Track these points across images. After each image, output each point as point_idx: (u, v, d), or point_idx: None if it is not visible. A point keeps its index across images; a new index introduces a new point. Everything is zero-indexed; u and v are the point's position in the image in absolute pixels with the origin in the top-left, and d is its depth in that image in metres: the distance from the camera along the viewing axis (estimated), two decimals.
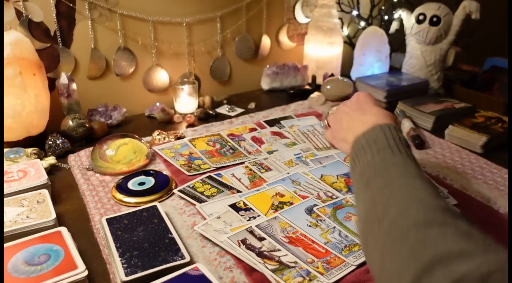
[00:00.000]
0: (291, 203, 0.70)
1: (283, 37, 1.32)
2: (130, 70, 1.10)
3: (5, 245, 0.56)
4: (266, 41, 1.29)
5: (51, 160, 0.82)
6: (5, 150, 0.82)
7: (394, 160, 0.50)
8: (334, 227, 0.65)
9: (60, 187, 0.78)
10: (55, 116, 0.93)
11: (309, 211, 0.68)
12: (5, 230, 0.59)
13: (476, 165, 0.86)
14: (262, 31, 1.27)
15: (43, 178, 0.73)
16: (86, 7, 0.98)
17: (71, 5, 0.97)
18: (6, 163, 0.79)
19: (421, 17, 1.15)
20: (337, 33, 1.27)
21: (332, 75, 1.27)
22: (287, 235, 0.62)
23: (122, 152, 0.82)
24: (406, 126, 0.98)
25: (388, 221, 0.42)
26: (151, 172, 0.80)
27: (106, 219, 0.64)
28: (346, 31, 1.42)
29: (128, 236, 0.60)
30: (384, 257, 0.40)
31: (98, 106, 1.04)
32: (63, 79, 0.94)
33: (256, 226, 0.64)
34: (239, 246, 0.59)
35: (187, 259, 0.56)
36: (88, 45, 1.02)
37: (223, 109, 1.14)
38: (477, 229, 0.38)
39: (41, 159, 0.82)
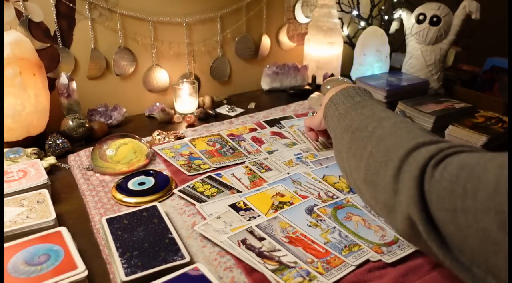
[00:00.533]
0: (291, 203, 0.70)
1: (283, 37, 1.32)
2: (130, 70, 1.10)
3: (5, 245, 0.56)
4: (266, 41, 1.29)
5: (51, 160, 0.82)
6: (5, 150, 0.82)
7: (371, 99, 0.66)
8: (334, 227, 0.65)
9: (60, 187, 0.77)
10: (55, 116, 0.93)
11: (310, 211, 0.68)
12: (5, 230, 0.59)
13: None
14: (262, 31, 1.27)
15: (43, 178, 0.73)
16: (86, 7, 0.98)
17: (71, 5, 0.97)
18: (6, 163, 0.79)
19: (421, 17, 1.15)
20: (337, 33, 1.27)
21: (332, 75, 1.27)
22: (287, 235, 0.62)
23: (122, 152, 0.82)
24: None
25: (387, 123, 0.55)
26: (151, 172, 0.80)
27: (106, 219, 0.64)
28: (346, 31, 1.42)
29: (128, 236, 0.60)
30: (380, 143, 0.52)
31: (98, 106, 1.04)
32: (63, 79, 0.94)
33: (256, 226, 0.64)
34: (239, 246, 0.59)
35: (187, 259, 0.56)
36: (88, 45, 1.02)
37: (223, 109, 1.14)
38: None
39: (41, 159, 0.82)
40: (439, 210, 0.41)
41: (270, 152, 0.89)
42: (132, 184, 0.75)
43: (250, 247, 0.59)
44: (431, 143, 0.47)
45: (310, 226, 0.65)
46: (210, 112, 1.09)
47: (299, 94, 1.23)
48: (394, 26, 1.31)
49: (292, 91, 1.24)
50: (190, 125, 1.04)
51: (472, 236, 0.37)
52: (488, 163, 0.38)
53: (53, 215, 0.63)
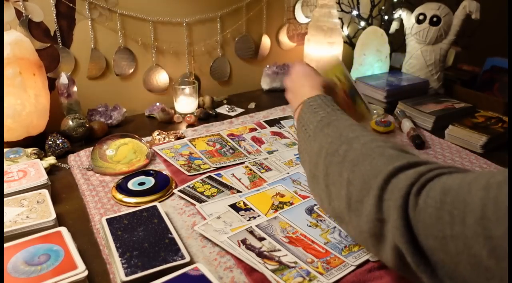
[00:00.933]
0: (291, 203, 0.70)
1: (283, 37, 1.32)
2: (130, 70, 1.10)
3: (5, 245, 0.56)
4: (266, 41, 1.29)
5: (51, 160, 0.82)
6: (5, 150, 0.82)
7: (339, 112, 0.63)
8: (334, 227, 0.65)
9: (60, 187, 0.77)
10: (55, 116, 0.93)
11: (309, 211, 0.68)
12: (5, 230, 0.59)
13: (476, 165, 0.86)
14: (262, 31, 1.27)
15: (43, 178, 0.73)
16: (86, 7, 0.98)
17: (71, 5, 0.97)
18: (6, 163, 0.79)
19: (421, 17, 1.15)
20: (337, 33, 1.27)
21: None
22: (287, 235, 0.62)
23: (122, 152, 0.82)
24: (406, 126, 0.98)
25: (358, 144, 0.52)
26: (151, 172, 0.79)
27: (106, 219, 0.64)
28: (346, 31, 1.42)
29: (128, 236, 0.60)
30: (355, 169, 0.49)
31: (98, 106, 1.04)
32: (63, 79, 0.94)
33: (256, 226, 0.64)
34: (239, 246, 0.59)
35: (187, 259, 0.56)
36: (88, 45, 1.02)
37: (223, 109, 1.14)
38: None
39: (41, 159, 0.82)
40: (427, 237, 0.39)
41: (270, 152, 0.89)
42: (132, 184, 0.75)
43: (250, 247, 0.59)
44: (409, 167, 0.45)
45: (310, 226, 0.65)
46: (210, 112, 1.09)
47: None
48: (394, 26, 1.31)
49: None
50: (190, 125, 1.04)
51: (463, 262, 0.36)
52: (471, 185, 0.37)
53: (53, 215, 0.63)
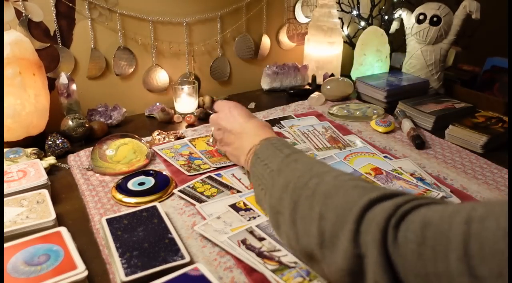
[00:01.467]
0: None
1: (283, 37, 1.32)
2: (130, 70, 1.09)
3: (5, 245, 0.56)
4: (266, 41, 1.29)
5: (51, 160, 0.82)
6: (5, 150, 0.82)
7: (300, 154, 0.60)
8: None
9: (60, 187, 0.77)
10: (55, 116, 0.93)
11: None
12: (5, 230, 0.59)
13: (476, 165, 0.86)
14: (262, 31, 1.27)
15: (43, 178, 0.73)
16: (86, 7, 0.98)
17: (71, 5, 0.97)
18: (6, 163, 0.79)
19: (421, 17, 1.15)
20: (337, 33, 1.27)
21: (332, 75, 1.27)
22: None
23: (122, 152, 0.82)
24: (406, 126, 0.98)
25: (329, 177, 0.50)
26: (151, 172, 0.79)
27: (106, 219, 0.63)
28: (346, 31, 1.42)
29: (128, 236, 0.60)
30: (327, 202, 0.46)
31: (98, 106, 1.04)
32: (63, 79, 0.94)
33: (256, 226, 0.64)
34: (239, 246, 0.59)
35: (187, 259, 0.56)
36: (88, 45, 1.02)
37: None
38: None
39: (41, 159, 0.82)
40: (408, 274, 0.37)
41: None
42: (132, 184, 0.75)
43: (250, 247, 0.59)
44: (385, 198, 0.43)
45: None
46: (210, 112, 1.09)
47: (299, 94, 1.23)
48: (394, 26, 1.31)
49: (292, 91, 1.24)
50: (190, 125, 1.04)
51: None
52: (452, 218, 0.35)
53: (53, 215, 0.63)
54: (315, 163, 0.55)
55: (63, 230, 0.60)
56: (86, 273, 0.52)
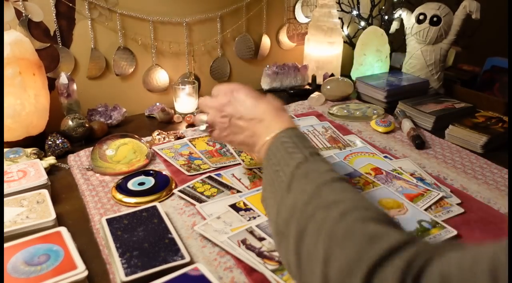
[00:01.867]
0: None
1: (283, 37, 1.32)
2: (130, 70, 1.09)
3: (5, 245, 0.56)
4: (266, 41, 1.29)
5: (51, 160, 0.82)
6: (5, 150, 0.82)
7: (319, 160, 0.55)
8: None
9: (60, 187, 0.77)
10: (55, 116, 0.93)
11: None
12: (5, 230, 0.59)
13: (476, 165, 0.86)
14: (262, 31, 1.27)
15: (43, 178, 0.73)
16: (86, 7, 0.98)
17: (70, 5, 0.97)
18: (6, 163, 0.79)
19: (421, 17, 1.15)
20: (337, 33, 1.27)
21: (332, 75, 1.27)
22: None
23: (122, 152, 0.82)
24: (406, 126, 0.98)
25: (336, 212, 0.44)
26: (151, 172, 0.79)
27: (106, 219, 0.63)
28: (346, 31, 1.42)
29: (128, 236, 0.60)
30: (332, 246, 0.41)
31: (98, 106, 1.04)
32: (63, 79, 0.94)
33: (256, 226, 0.64)
34: (239, 246, 0.59)
35: (187, 259, 0.56)
36: (88, 45, 1.02)
37: None
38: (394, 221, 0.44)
39: (41, 159, 0.82)
40: None
41: None
42: (132, 184, 0.75)
43: (250, 247, 0.59)
44: (394, 252, 0.38)
45: None
46: None
47: (299, 94, 1.23)
48: (394, 26, 1.31)
49: (292, 91, 1.24)
50: (190, 125, 1.04)
51: None
52: (474, 269, 0.32)
53: (53, 215, 0.63)
54: (323, 185, 0.49)
55: (63, 230, 0.60)
56: (86, 273, 0.52)
